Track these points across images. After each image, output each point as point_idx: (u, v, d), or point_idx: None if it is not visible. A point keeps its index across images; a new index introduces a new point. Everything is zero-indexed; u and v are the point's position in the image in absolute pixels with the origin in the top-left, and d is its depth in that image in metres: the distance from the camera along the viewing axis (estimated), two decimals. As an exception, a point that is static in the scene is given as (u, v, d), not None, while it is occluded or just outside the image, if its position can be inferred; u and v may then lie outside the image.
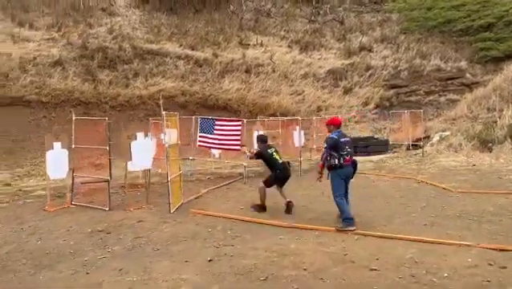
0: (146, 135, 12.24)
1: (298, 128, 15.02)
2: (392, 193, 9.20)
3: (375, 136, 17.64)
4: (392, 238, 5.83)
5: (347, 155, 6.49)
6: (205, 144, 11.36)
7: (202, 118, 11.67)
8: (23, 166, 13.81)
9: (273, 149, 7.83)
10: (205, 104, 20.46)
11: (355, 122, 21.88)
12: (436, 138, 17.84)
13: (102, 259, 5.29)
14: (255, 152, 7.94)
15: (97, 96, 18.31)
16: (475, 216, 6.92)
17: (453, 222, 6.63)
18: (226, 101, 20.88)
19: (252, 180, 11.07)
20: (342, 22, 28.14)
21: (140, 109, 18.93)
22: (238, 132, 10.81)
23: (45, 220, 7.32)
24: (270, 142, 8.92)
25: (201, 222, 6.90)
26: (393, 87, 23.38)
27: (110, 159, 8.42)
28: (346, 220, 6.38)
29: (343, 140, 6.55)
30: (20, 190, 9.69)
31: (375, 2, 30.45)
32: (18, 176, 12.55)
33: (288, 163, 7.93)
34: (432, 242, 5.58)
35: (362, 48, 25.38)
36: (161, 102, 8.00)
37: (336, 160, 6.43)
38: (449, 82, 23.40)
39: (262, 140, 8.10)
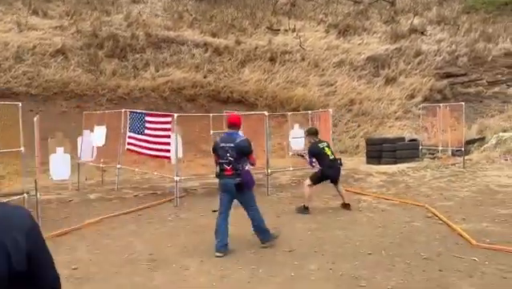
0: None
1: (296, 125, 11.35)
2: (366, 240, 5.41)
3: (408, 138, 13.22)
4: None
5: (228, 164, 5.06)
6: (134, 149, 8.24)
7: (132, 112, 8.50)
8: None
9: (324, 144, 7.17)
10: (217, 97, 17.36)
11: (396, 118, 17.46)
12: (493, 141, 13.06)
13: None
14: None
15: (94, 88, 15.96)
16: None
17: None
18: (242, 94, 17.58)
19: (190, 201, 7.77)
20: (392, 3, 23.19)
21: (141, 102, 16.25)
22: (168, 133, 7.53)
23: None
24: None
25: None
26: (448, 76, 18.47)
27: None
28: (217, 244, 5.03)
29: (224, 144, 5.13)
30: None
31: (436, -21, 25.05)
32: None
33: (339, 160, 7.22)
34: None
35: (412, 31, 20.55)
36: None
37: (216, 169, 5.25)
38: (521, 69, 17.92)
39: (311, 133, 7.26)
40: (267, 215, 6.83)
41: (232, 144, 5.05)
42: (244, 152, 5.10)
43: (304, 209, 6.86)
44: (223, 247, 5.00)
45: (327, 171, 6.86)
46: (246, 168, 5.16)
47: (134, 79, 16.98)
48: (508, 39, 18.65)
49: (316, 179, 6.96)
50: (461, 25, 20.41)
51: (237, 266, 4.60)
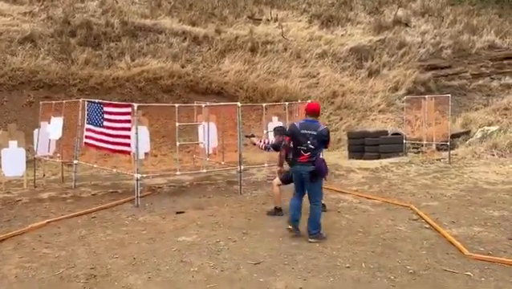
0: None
1: (275, 118, 10.54)
2: (344, 249, 4.67)
3: (391, 132, 12.54)
4: None
5: (306, 151, 5.00)
6: (93, 142, 7.35)
7: (90, 102, 7.58)
8: None
9: None
10: (195, 88, 16.41)
11: (379, 111, 16.79)
12: (478, 135, 12.49)
13: None
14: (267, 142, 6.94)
15: (65, 78, 14.90)
16: None
17: None
18: (222, 85, 16.65)
19: (154, 200, 6.94)
20: (377, -6, 22.56)
21: (115, 93, 15.24)
22: (128, 125, 6.66)
23: None
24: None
25: None
26: (432, 68, 17.87)
27: None
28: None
29: (305, 131, 5.02)
30: None
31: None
32: None
33: None
34: None
35: (396, 22, 19.88)
36: None
37: (291, 154, 5.18)
38: (505, 62, 17.43)
39: (282, 132, 6.59)
40: (238, 217, 6.09)
41: (314, 132, 4.99)
42: (324, 141, 5.10)
43: (277, 211, 6.15)
44: (295, 222, 5.11)
45: None
46: (321, 156, 5.19)
47: (108, 69, 15.95)
48: (492, 31, 18.15)
49: (287, 179, 6.10)
50: (445, 17, 19.86)
51: (191, 284, 3.80)
